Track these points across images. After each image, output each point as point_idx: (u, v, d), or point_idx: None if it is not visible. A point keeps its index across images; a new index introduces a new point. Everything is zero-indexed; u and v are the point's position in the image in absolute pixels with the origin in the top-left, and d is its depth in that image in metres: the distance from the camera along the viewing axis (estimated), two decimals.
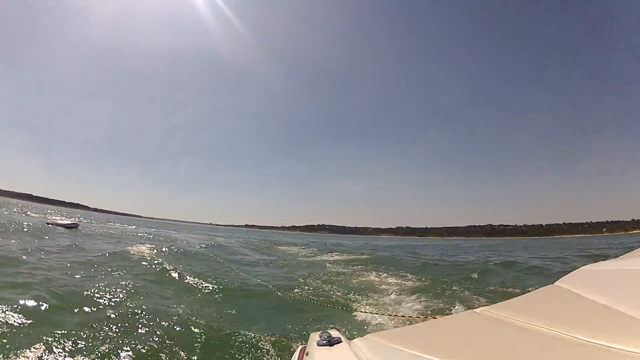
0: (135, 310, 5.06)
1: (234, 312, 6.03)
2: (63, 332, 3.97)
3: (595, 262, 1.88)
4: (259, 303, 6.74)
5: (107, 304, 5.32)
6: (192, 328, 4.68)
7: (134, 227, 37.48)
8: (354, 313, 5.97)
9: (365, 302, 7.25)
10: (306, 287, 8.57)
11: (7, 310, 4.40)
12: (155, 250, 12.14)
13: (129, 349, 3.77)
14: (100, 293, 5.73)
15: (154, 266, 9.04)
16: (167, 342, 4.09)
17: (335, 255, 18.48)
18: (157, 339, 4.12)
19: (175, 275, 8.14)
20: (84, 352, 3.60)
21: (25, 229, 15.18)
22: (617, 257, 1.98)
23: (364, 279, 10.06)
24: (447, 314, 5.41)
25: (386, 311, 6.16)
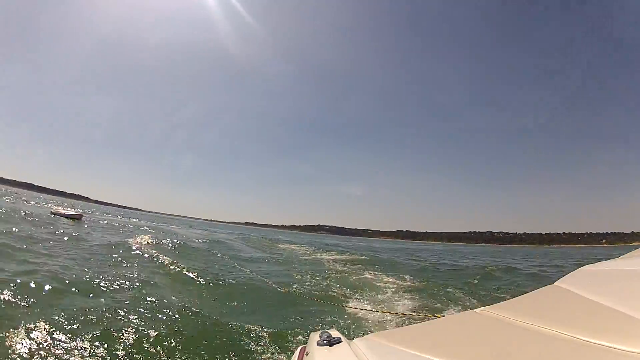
0: (135, 301, 5.16)
1: (233, 306, 6.09)
2: (64, 314, 4.15)
3: None
4: (258, 298, 6.81)
5: (108, 292, 5.43)
6: (191, 320, 4.74)
7: (135, 219, 37.73)
8: (353, 311, 6.00)
9: (364, 300, 7.30)
10: (305, 284, 8.63)
11: (15, 290, 4.66)
12: (156, 243, 12.20)
13: (126, 337, 3.86)
14: (103, 282, 5.85)
15: (155, 258, 9.11)
16: (165, 333, 4.14)
17: (334, 254, 18.48)
18: (154, 328, 4.18)
19: (175, 268, 8.21)
20: (82, 334, 3.73)
21: (30, 219, 15.30)
22: (617, 257, 2.01)
23: (363, 278, 10.10)
24: (447, 314, 5.46)
25: (385, 309, 6.22)
